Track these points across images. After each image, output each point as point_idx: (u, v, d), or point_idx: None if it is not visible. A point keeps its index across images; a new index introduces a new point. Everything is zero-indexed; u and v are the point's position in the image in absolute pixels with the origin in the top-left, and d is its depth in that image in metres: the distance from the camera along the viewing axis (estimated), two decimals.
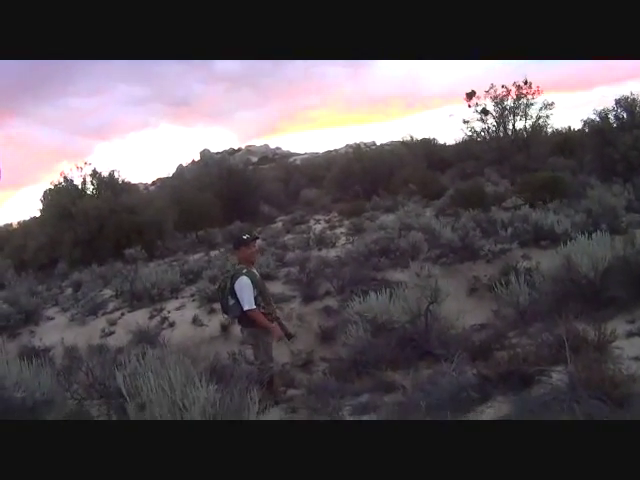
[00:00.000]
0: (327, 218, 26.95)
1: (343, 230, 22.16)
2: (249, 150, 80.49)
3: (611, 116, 24.84)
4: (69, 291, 18.90)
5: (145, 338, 11.58)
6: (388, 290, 7.56)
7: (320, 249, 18.49)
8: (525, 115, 30.02)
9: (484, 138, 30.92)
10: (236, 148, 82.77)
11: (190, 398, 3.90)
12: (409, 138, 41.93)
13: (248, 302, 6.92)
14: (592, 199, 16.51)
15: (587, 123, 26.66)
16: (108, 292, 17.09)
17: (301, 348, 10.53)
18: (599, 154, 23.78)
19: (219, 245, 23.45)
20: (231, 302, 7.07)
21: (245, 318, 7.01)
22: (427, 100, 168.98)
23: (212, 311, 13.06)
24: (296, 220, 27.28)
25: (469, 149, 31.58)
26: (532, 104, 29.73)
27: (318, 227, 24.20)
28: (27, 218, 35.68)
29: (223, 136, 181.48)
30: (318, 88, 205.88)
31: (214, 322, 12.57)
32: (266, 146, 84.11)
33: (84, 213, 23.80)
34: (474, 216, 17.38)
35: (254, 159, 69.28)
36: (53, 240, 24.29)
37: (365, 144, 48.60)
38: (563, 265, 7.00)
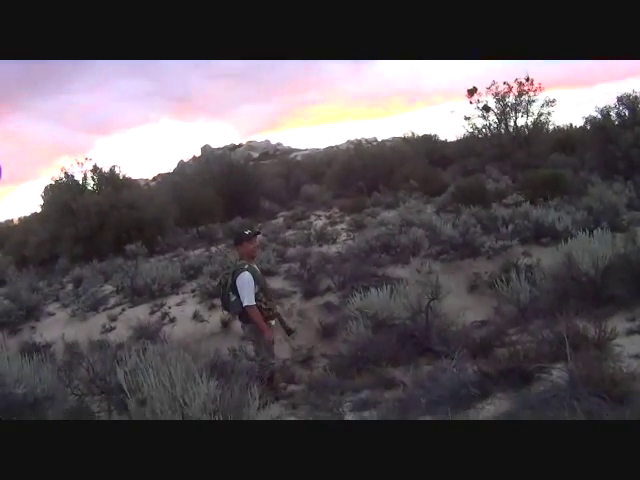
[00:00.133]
0: (328, 214, 26.93)
1: (344, 226, 22.14)
2: (250, 146, 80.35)
3: (613, 113, 24.82)
4: (70, 287, 18.88)
5: (146, 334, 11.60)
6: (389, 286, 7.57)
7: (321, 245, 18.50)
8: (527, 112, 29.99)
9: (485, 135, 30.88)
10: (237, 144, 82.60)
11: (191, 394, 3.91)
12: (410, 134, 41.88)
13: (248, 298, 6.93)
14: (593, 196, 16.50)
15: (589, 120, 26.65)
16: (109, 288, 17.09)
17: (302, 344, 10.55)
18: (601, 151, 23.76)
19: (220, 241, 23.44)
20: (232, 298, 7.07)
21: (246, 314, 7.02)
22: (428, 96, 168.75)
23: (213, 307, 13.08)
24: (297, 216, 27.24)
25: (470, 146, 31.50)
26: (534, 101, 29.71)
27: (319, 223, 24.19)
28: (28, 214, 35.80)
29: (224, 131, 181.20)
30: (319, 84, 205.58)
31: (215, 318, 12.59)
32: (267, 142, 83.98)
33: (85, 209, 23.77)
34: (475, 213, 17.37)
35: (255, 155, 69.24)
36: (54, 236, 24.26)
37: (366, 140, 48.52)
38: (564, 262, 7.01)
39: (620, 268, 6.52)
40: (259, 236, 8.31)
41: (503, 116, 30.23)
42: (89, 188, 26.54)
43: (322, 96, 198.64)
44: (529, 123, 30.19)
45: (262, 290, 7.17)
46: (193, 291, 14.82)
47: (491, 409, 4.16)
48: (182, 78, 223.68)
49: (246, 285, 6.96)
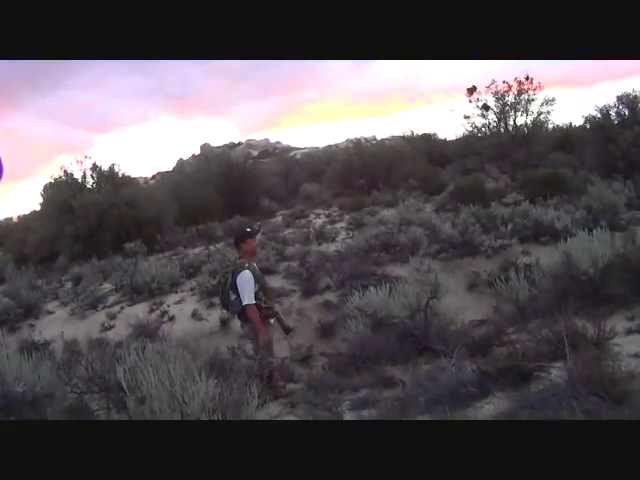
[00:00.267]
0: (327, 212, 26.90)
1: (343, 225, 22.14)
2: (249, 144, 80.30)
3: (612, 113, 24.82)
4: (69, 285, 18.91)
5: (145, 332, 11.62)
6: (388, 285, 7.56)
7: (320, 243, 18.50)
8: (526, 111, 29.97)
9: (485, 134, 30.86)
10: (236, 142, 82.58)
11: (190, 392, 3.91)
12: (410, 133, 41.84)
13: (248, 297, 6.94)
14: (592, 196, 16.48)
15: (588, 119, 26.64)
16: (108, 286, 17.11)
17: (301, 343, 10.56)
18: (600, 151, 23.74)
19: (219, 239, 23.44)
20: (232, 297, 7.08)
21: (245, 313, 7.03)
22: (428, 95, 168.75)
23: (212, 305, 13.09)
24: (296, 214, 27.22)
25: (470, 145, 31.49)
26: (533, 100, 29.69)
27: (318, 221, 24.17)
28: (27, 212, 35.79)
29: (223, 130, 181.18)
30: (318, 82, 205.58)
31: (214, 316, 12.60)
32: (266, 140, 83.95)
33: (84, 207, 23.77)
34: (474, 212, 17.37)
35: (254, 153, 69.09)
36: (53, 234, 24.25)
37: (365, 139, 48.41)
38: (563, 261, 7.00)
39: (619, 267, 6.52)
40: (258, 234, 8.31)
41: (502, 115, 30.21)
42: (88, 186, 26.54)
43: (321, 95, 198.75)
44: (528, 122, 30.18)
45: (262, 289, 7.17)
46: (192, 289, 14.83)
47: (490, 408, 4.16)
48: (182, 76, 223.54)
49: (246, 284, 6.97)
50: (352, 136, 50.63)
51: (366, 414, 4.83)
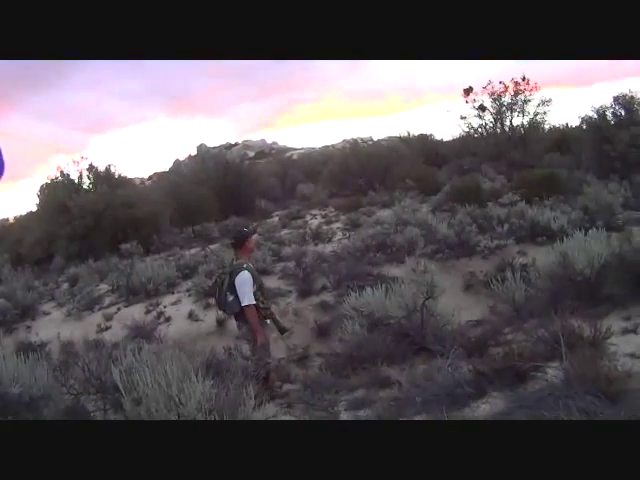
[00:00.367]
0: (323, 213, 26.87)
1: (339, 225, 22.12)
2: (246, 145, 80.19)
3: (609, 113, 24.86)
4: (65, 286, 18.88)
5: (141, 333, 11.62)
6: (384, 285, 7.57)
7: (316, 244, 18.50)
8: (522, 111, 29.96)
9: (481, 134, 30.85)
10: (233, 143, 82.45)
11: (186, 393, 3.92)
12: (406, 133, 41.83)
13: (248, 297, 6.94)
14: (589, 196, 16.53)
15: (585, 120, 26.67)
16: (104, 287, 17.09)
17: (297, 343, 10.56)
18: (596, 151, 23.78)
19: (215, 240, 23.42)
20: (230, 298, 7.07)
21: (244, 314, 7.02)
22: (424, 95, 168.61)
23: (208, 306, 13.08)
24: (292, 215, 27.19)
25: (466, 145, 31.48)
26: (529, 100, 29.69)
27: (314, 222, 24.17)
28: (23, 212, 35.73)
29: (220, 130, 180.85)
30: (315, 82, 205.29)
31: (210, 317, 12.60)
32: (263, 141, 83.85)
33: (80, 208, 23.72)
34: (470, 212, 17.39)
35: (251, 154, 69.02)
36: (49, 235, 24.21)
37: (362, 139, 48.41)
38: (559, 262, 7.02)
39: (615, 267, 6.53)
40: (255, 235, 8.32)
41: (499, 115, 30.18)
42: (85, 187, 26.51)
43: (318, 95, 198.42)
44: (525, 123, 30.18)
45: (260, 289, 7.17)
46: (188, 290, 14.82)
47: (486, 408, 4.17)
48: (178, 77, 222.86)
49: (246, 284, 6.96)
50: (349, 136, 50.69)
51: (363, 414, 4.83)
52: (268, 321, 7.30)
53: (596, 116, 25.10)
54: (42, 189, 27.85)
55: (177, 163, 54.75)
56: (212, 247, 21.14)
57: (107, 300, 15.68)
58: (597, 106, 25.16)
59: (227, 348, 9.09)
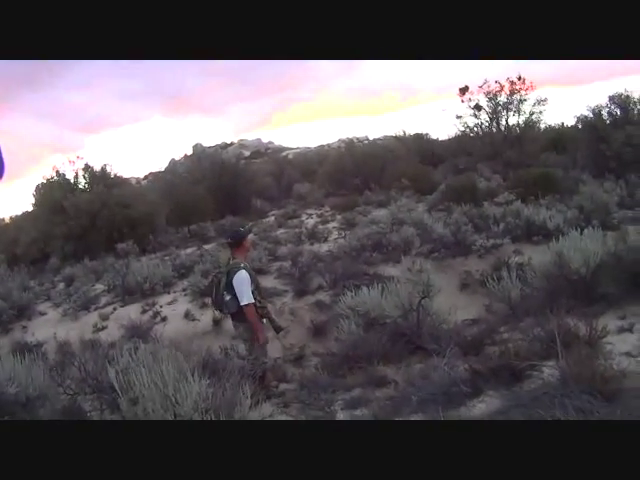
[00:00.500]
0: (319, 212, 26.86)
1: (335, 225, 22.13)
2: (241, 144, 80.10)
3: (604, 112, 24.93)
4: (61, 286, 18.85)
5: (137, 333, 11.60)
6: (380, 285, 7.58)
7: (312, 243, 18.50)
8: (518, 111, 29.99)
9: (477, 133, 30.87)
10: (228, 142, 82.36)
11: (182, 393, 3.92)
12: (402, 133, 41.84)
13: (247, 296, 6.93)
14: (584, 195, 16.55)
15: (580, 119, 26.74)
16: (100, 287, 17.08)
17: (293, 342, 10.56)
18: (592, 150, 23.85)
19: (211, 239, 23.42)
20: (227, 297, 7.06)
21: (241, 313, 7.01)
22: (420, 94, 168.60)
23: (204, 305, 13.08)
24: (288, 214, 27.18)
25: (462, 144, 31.51)
26: (525, 100, 29.72)
27: (310, 221, 24.16)
28: (19, 213, 35.66)
29: (216, 130, 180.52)
30: (311, 82, 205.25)
31: (206, 317, 12.59)
32: (258, 140, 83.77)
33: (76, 207, 23.70)
34: (466, 211, 17.43)
35: (246, 153, 68.93)
36: (45, 235, 24.17)
37: (358, 138, 48.42)
38: (555, 261, 7.03)
39: (611, 266, 6.55)
40: (251, 235, 8.33)
41: (495, 115, 30.22)
42: (80, 187, 26.49)
43: (314, 94, 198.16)
44: (521, 122, 30.21)
45: (257, 288, 7.18)
46: (184, 290, 14.82)
47: (482, 407, 4.18)
48: (174, 76, 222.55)
49: (244, 284, 6.96)
50: (344, 136, 50.70)
51: (359, 414, 4.84)
52: (264, 320, 7.29)
53: (592, 115, 25.20)
54: (38, 189, 27.82)
55: (173, 163, 54.64)
56: (208, 247, 21.13)
57: (103, 300, 15.66)
58: (593, 105, 25.30)
59: (223, 348, 9.11)
